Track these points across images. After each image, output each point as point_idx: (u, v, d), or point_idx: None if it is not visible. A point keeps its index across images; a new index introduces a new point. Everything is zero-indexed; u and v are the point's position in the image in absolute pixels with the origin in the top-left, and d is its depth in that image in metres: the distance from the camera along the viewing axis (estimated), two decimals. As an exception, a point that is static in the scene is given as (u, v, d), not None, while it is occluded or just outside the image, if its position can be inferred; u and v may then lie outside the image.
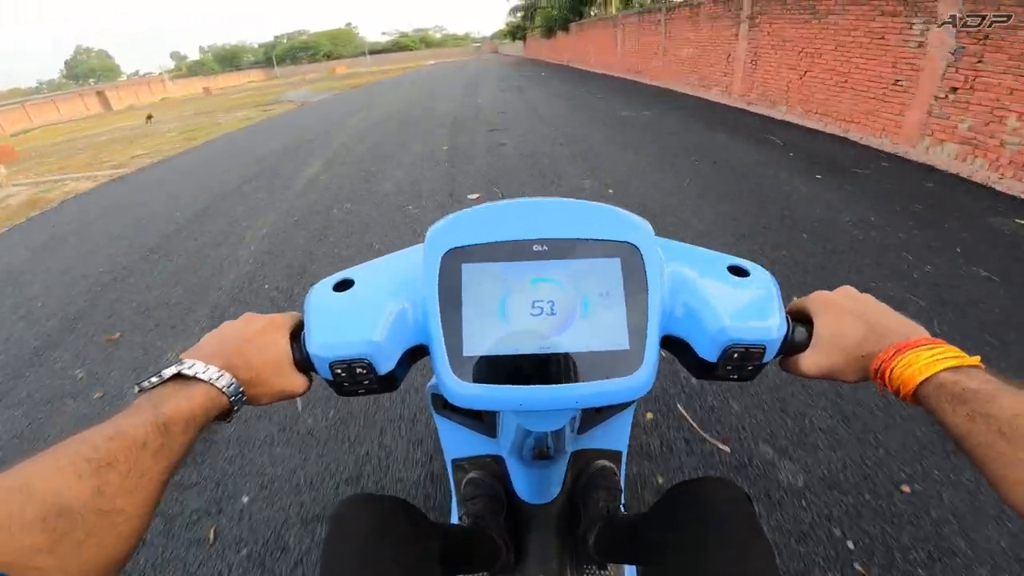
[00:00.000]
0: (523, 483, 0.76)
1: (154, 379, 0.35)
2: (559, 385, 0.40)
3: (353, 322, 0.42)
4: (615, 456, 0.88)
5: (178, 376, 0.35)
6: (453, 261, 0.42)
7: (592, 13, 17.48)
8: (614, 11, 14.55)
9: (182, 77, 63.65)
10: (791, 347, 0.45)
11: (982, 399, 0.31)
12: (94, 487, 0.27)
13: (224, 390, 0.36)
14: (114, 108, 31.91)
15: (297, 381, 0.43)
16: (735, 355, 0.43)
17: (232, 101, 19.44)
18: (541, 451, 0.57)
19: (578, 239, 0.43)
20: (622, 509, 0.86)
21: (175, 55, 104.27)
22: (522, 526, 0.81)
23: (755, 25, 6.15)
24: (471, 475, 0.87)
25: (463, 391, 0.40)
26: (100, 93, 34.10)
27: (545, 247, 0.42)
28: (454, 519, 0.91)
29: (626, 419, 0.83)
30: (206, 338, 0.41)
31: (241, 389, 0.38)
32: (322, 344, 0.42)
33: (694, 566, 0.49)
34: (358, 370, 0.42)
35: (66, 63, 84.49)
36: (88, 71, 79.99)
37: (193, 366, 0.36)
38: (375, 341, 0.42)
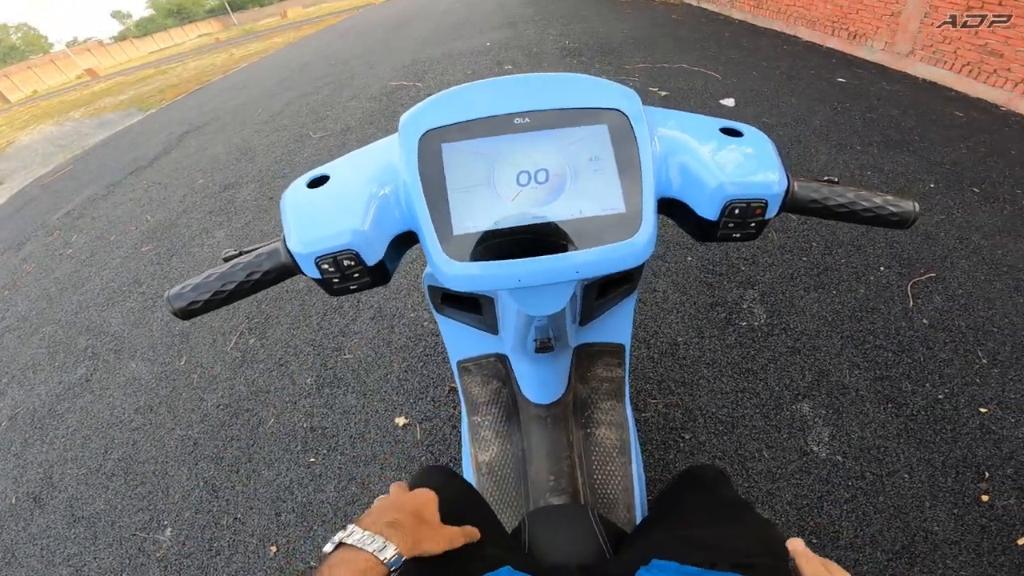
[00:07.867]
0: (527, 381, 0.75)
1: (327, 547, 0.36)
2: (556, 255, 0.39)
3: (333, 213, 0.41)
4: (618, 350, 0.85)
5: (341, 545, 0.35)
6: (432, 142, 0.40)
7: None
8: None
9: (139, 38, 57.79)
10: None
11: None
12: None
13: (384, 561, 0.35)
14: (11, 99, 24.97)
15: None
16: (735, 211, 0.42)
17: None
18: (543, 342, 0.55)
19: (561, 108, 0.41)
20: (627, 402, 0.87)
21: (117, 14, 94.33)
22: (529, 427, 0.80)
23: None
24: (477, 377, 0.88)
25: (457, 271, 0.39)
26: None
27: (527, 119, 0.41)
28: (464, 423, 0.91)
29: (627, 310, 0.80)
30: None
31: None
32: (304, 240, 0.40)
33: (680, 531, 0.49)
34: (345, 262, 0.40)
35: (-19, 45, 74.63)
36: (8, 50, 70.70)
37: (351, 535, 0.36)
38: (359, 229, 0.40)
